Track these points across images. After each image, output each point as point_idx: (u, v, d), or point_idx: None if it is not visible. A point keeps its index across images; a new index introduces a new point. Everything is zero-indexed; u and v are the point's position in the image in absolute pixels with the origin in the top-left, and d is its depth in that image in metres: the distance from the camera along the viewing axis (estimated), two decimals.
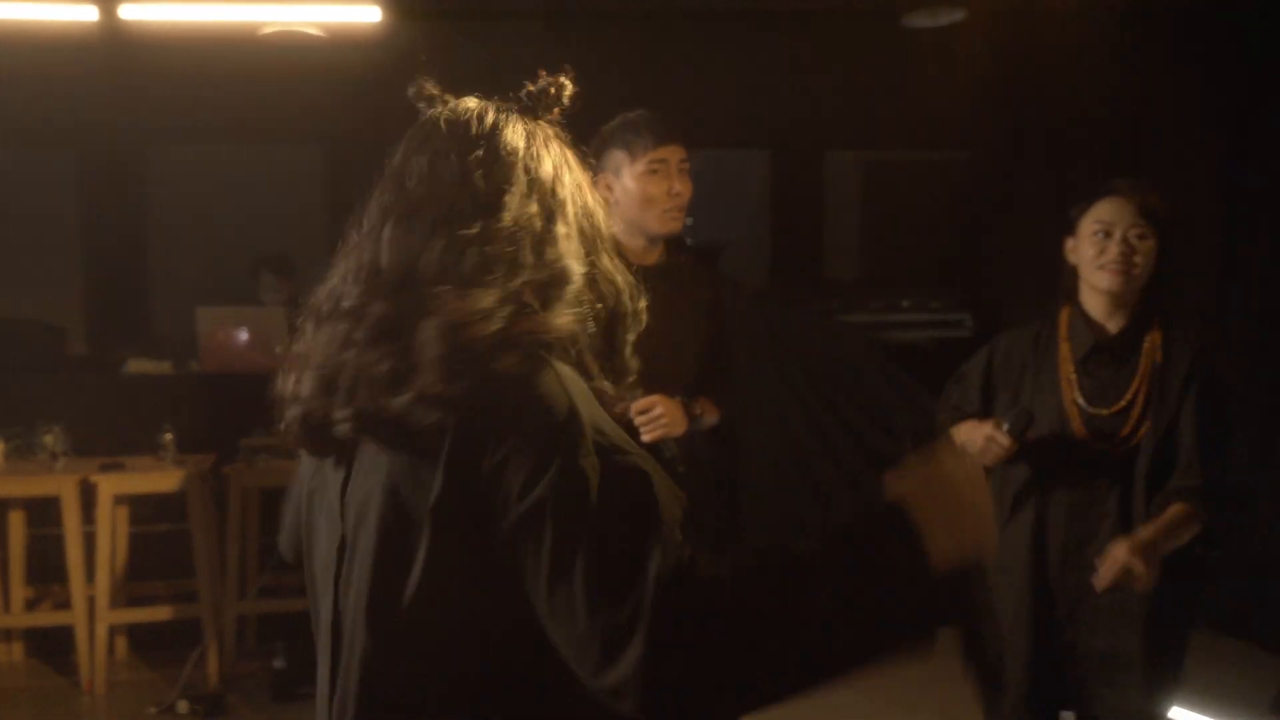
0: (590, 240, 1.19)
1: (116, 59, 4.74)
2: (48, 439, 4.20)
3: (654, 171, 2.34)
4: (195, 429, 4.39)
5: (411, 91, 1.23)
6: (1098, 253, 2.21)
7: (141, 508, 4.41)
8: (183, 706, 3.87)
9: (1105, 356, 2.25)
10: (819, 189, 6.15)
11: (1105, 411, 2.21)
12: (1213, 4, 4.60)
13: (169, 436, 4.24)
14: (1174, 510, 2.17)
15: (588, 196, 1.21)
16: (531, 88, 1.22)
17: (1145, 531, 2.13)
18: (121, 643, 4.43)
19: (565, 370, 1.08)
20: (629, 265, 1.25)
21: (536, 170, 1.15)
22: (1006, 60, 5.50)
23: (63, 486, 4.05)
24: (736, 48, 5.49)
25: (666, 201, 2.36)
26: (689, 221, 2.57)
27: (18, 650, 4.39)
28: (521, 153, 1.15)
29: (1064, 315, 2.31)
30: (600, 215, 1.22)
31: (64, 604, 4.20)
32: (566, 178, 1.19)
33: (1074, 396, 2.22)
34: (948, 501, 1.07)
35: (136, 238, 5.76)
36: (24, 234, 5.61)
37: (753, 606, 1.01)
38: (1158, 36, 4.86)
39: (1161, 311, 2.27)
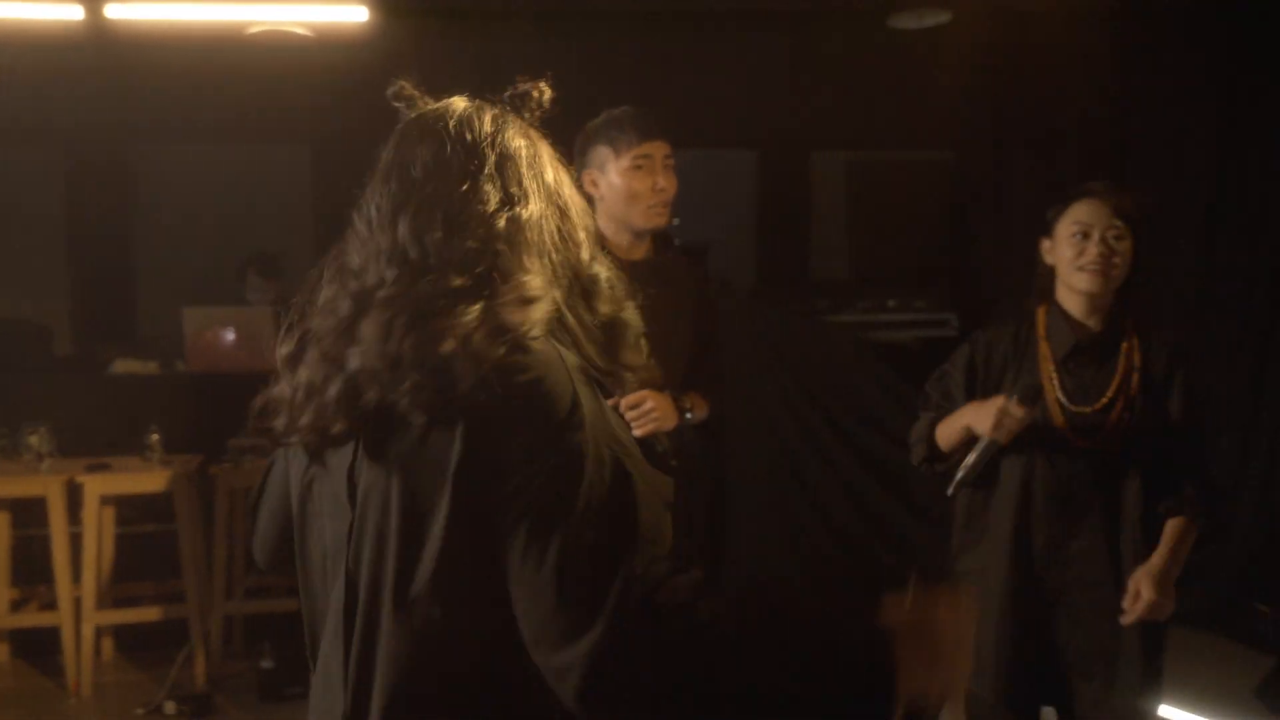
0: (589, 237, 1.24)
1: (103, 58, 4.73)
2: (33, 439, 4.18)
3: (639, 167, 2.36)
4: (182, 429, 4.38)
5: (390, 92, 1.26)
6: (1076, 254, 2.24)
7: (128, 508, 4.40)
8: (170, 707, 3.87)
9: (1085, 356, 2.27)
10: (805, 189, 6.17)
11: (1088, 409, 2.23)
12: (1197, 6, 4.63)
13: (155, 437, 4.23)
14: (1174, 527, 2.25)
15: (578, 196, 1.25)
16: (513, 91, 1.26)
17: (1159, 560, 2.21)
18: (108, 644, 4.42)
19: (571, 360, 1.12)
20: (616, 262, 1.27)
21: (541, 169, 1.21)
22: (992, 62, 5.53)
23: (48, 487, 4.03)
24: (723, 48, 5.51)
25: (651, 197, 2.37)
26: (675, 221, 2.59)
27: (3, 652, 4.37)
28: (525, 151, 1.20)
29: (1041, 314, 2.33)
30: (589, 214, 1.27)
31: (50, 605, 4.19)
32: (564, 176, 1.24)
33: (1056, 395, 2.25)
34: (934, 649, 1.09)
35: (123, 237, 5.74)
36: (10, 233, 5.58)
37: (715, 649, 1.04)
38: (1142, 38, 4.90)
39: (1137, 311, 2.31)
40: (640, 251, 2.45)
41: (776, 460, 4.87)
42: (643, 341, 1.25)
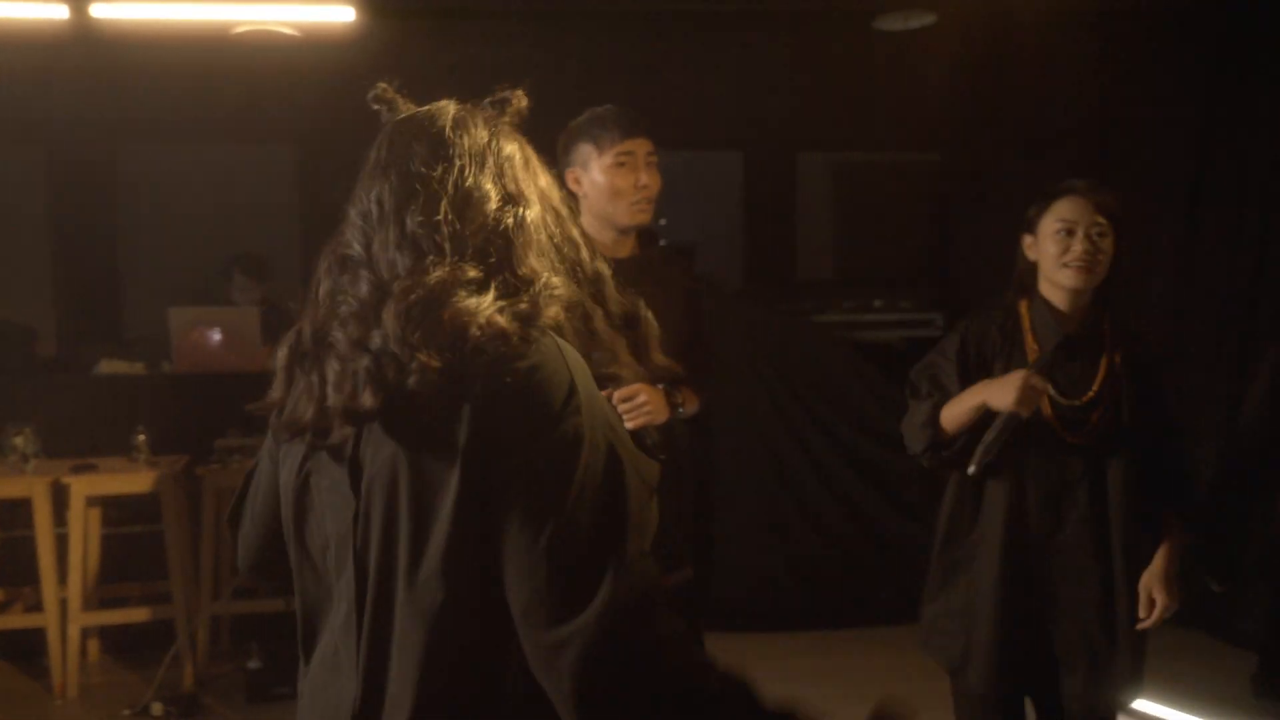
0: (583, 239, 1.29)
1: (88, 57, 4.72)
2: (18, 440, 4.16)
3: (621, 164, 2.38)
4: (168, 430, 4.38)
5: (371, 95, 1.28)
6: (1061, 251, 2.26)
7: (114, 509, 4.39)
8: (157, 708, 3.86)
9: (1071, 351, 2.30)
10: (791, 190, 6.19)
11: (1076, 403, 2.26)
12: (1180, 9, 4.68)
13: (142, 437, 4.22)
14: (1169, 528, 2.32)
15: (565, 199, 1.29)
16: (493, 98, 1.29)
17: (1163, 563, 2.30)
18: (94, 645, 4.41)
19: (569, 351, 1.16)
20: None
21: (534, 172, 1.25)
22: (977, 63, 5.57)
23: (34, 488, 4.02)
24: (710, 49, 5.53)
25: (634, 194, 2.39)
26: (662, 221, 2.60)
27: None
28: (518, 155, 1.24)
29: (1024, 308, 2.36)
30: (576, 217, 1.31)
31: (36, 607, 4.17)
32: (552, 180, 1.29)
33: (1045, 388, 2.27)
34: None
35: (108, 237, 5.72)
36: None
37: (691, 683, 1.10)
38: (1125, 40, 4.94)
39: (1115, 306, 2.34)
40: (625, 249, 2.46)
41: (762, 459, 4.89)
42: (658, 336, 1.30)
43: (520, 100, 1.30)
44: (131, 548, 4.45)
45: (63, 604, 4.07)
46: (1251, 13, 4.43)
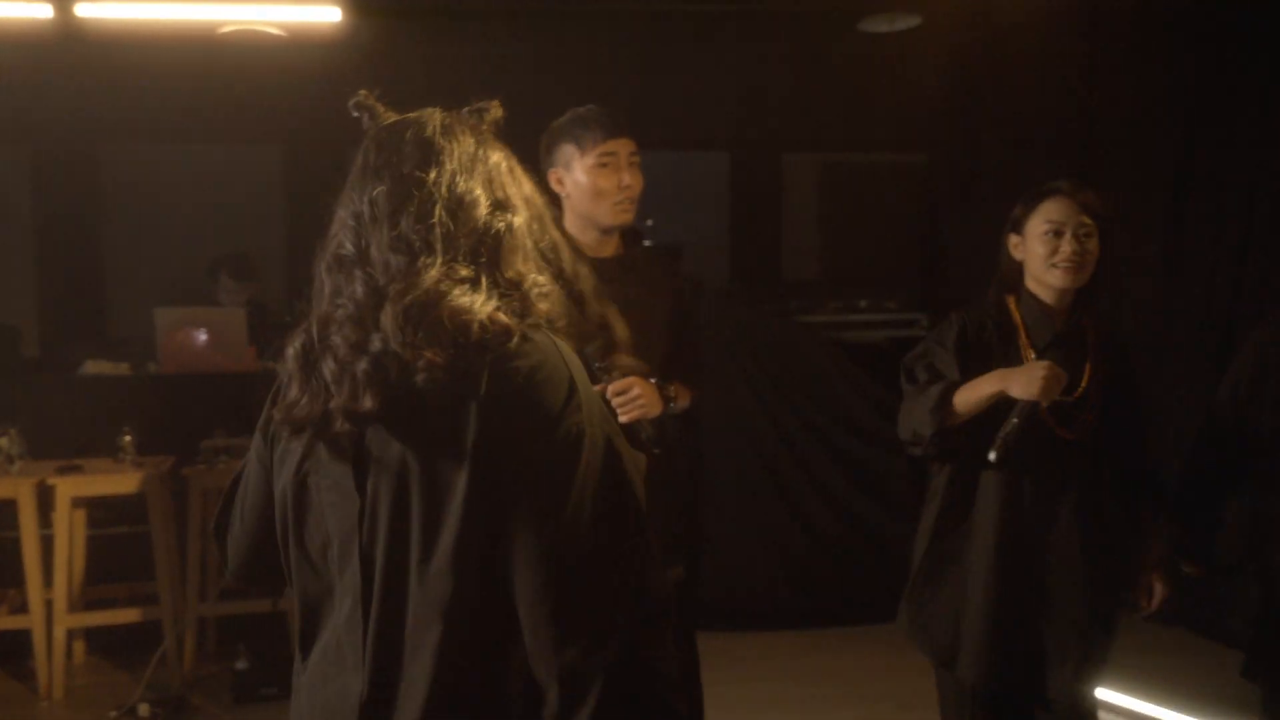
0: (563, 244, 1.34)
1: (73, 57, 4.70)
2: (3, 441, 4.14)
3: (604, 165, 2.38)
4: (154, 430, 4.36)
5: (352, 102, 1.30)
6: (1050, 252, 2.28)
7: (100, 510, 4.37)
8: (144, 709, 3.85)
9: (1061, 349, 2.32)
10: (777, 191, 6.22)
11: (1068, 399, 2.28)
12: (1165, 11, 4.71)
13: (128, 438, 4.21)
14: (1153, 520, 2.42)
15: (546, 204, 1.34)
16: (472, 107, 1.32)
17: (1159, 554, 2.40)
18: (80, 647, 4.39)
19: (564, 345, 1.20)
20: (585, 260, 1.31)
21: (519, 179, 1.29)
22: (963, 65, 5.61)
23: (19, 489, 4.00)
24: (695, 50, 5.55)
25: (617, 194, 2.39)
26: (649, 222, 2.61)
27: None
28: (504, 163, 1.27)
29: (1012, 305, 2.37)
30: (556, 222, 1.37)
31: (21, 608, 4.15)
32: (534, 186, 1.32)
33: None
34: None
35: (92, 237, 5.71)
36: None
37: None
38: (1111, 42, 4.98)
39: (1098, 304, 2.38)
40: (609, 248, 2.47)
41: (749, 459, 4.90)
42: (628, 342, 1.33)
43: (496, 110, 1.32)
44: (117, 549, 4.43)
45: (48, 605, 4.05)
46: (1234, 12, 4.46)
